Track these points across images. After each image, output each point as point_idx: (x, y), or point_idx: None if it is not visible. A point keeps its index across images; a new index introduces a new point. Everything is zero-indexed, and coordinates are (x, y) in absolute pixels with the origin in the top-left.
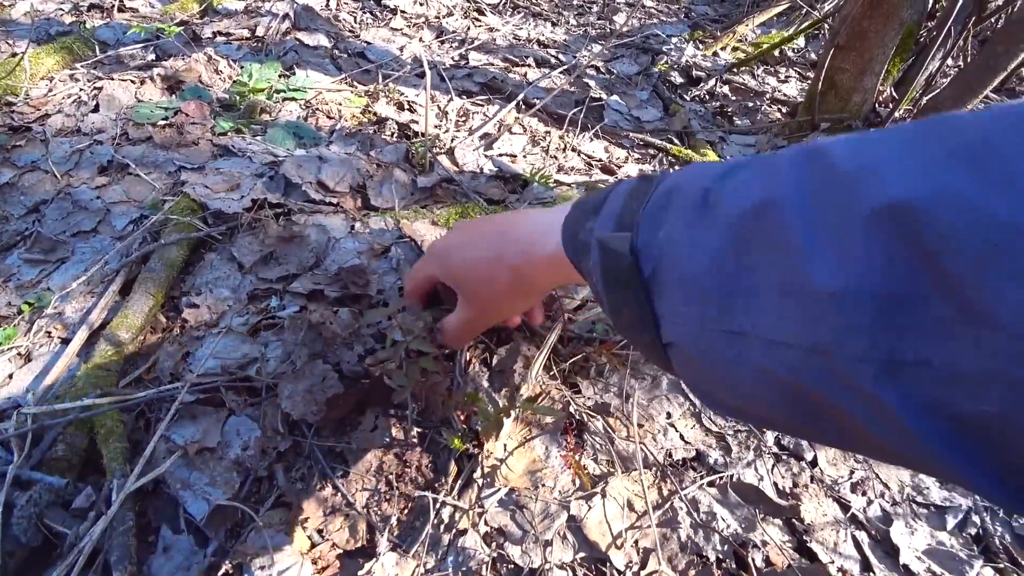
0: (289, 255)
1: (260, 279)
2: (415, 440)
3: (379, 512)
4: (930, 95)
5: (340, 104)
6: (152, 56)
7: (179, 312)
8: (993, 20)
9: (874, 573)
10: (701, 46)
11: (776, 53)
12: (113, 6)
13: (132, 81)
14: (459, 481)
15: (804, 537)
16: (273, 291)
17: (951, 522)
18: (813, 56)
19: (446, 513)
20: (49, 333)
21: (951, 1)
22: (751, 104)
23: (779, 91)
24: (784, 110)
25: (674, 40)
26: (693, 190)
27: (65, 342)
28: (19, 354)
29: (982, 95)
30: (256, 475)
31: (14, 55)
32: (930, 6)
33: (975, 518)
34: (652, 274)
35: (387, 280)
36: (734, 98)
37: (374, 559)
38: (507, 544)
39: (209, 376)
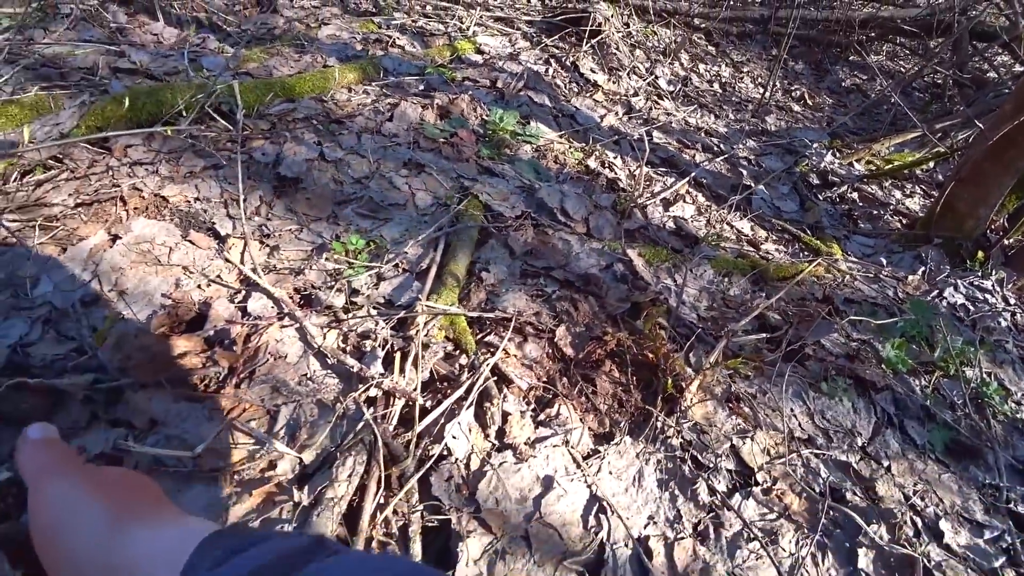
0: (545, 254)
1: (527, 264)
2: (636, 383)
3: (615, 418)
4: None
5: (564, 153)
6: (422, 87)
7: (473, 274)
8: None
9: (923, 536)
10: (839, 154)
11: (906, 171)
12: (390, 42)
13: (416, 104)
14: (664, 409)
15: (878, 503)
16: (538, 273)
17: (987, 535)
18: (940, 177)
19: (657, 425)
20: (396, 265)
21: None
22: (875, 212)
23: (903, 203)
24: (904, 221)
25: (815, 145)
26: None
27: (406, 271)
28: (376, 274)
29: None
30: (541, 380)
31: (326, 67)
32: None
33: (1008, 538)
34: None
35: (614, 286)
36: (861, 204)
37: (617, 438)
38: (693, 450)
39: (510, 315)
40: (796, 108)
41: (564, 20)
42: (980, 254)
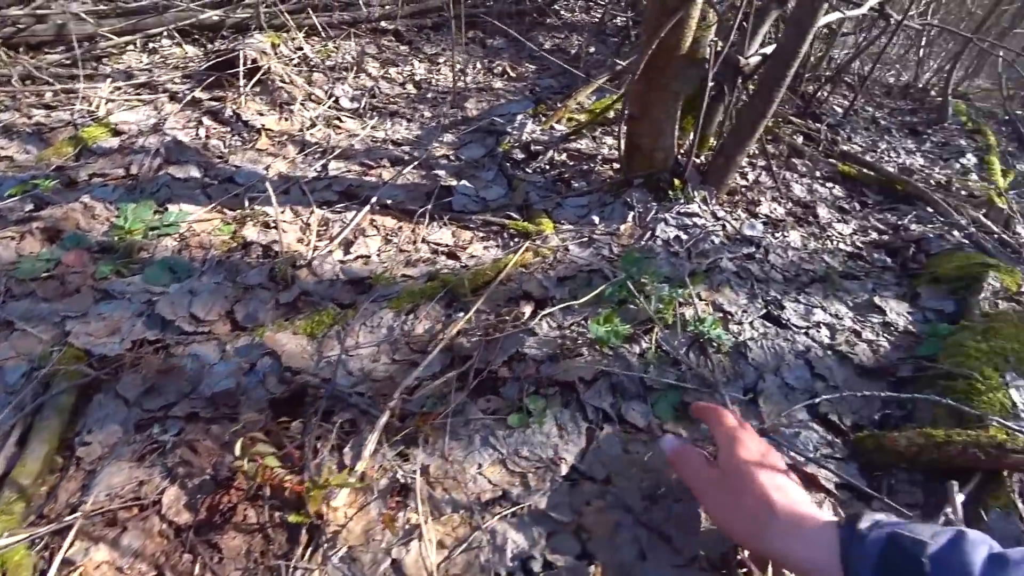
0: (168, 386)
1: (144, 410)
2: (276, 522)
3: None
4: (720, 142)
5: (210, 233)
6: (30, 206)
7: (73, 451)
8: (754, 78)
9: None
10: (542, 119)
11: (611, 114)
12: None
13: (12, 237)
14: (309, 548)
15: (587, 545)
16: (156, 419)
17: None
18: None
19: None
20: None
21: (714, 68)
22: (586, 167)
23: (613, 149)
24: (615, 167)
25: (518, 118)
26: None
27: None
28: None
29: (754, 139)
30: None
31: None
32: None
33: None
34: None
35: (254, 394)
36: (571, 164)
37: None
38: None
39: (101, 503)
40: (498, 84)
41: (212, 67)
42: (677, 181)
